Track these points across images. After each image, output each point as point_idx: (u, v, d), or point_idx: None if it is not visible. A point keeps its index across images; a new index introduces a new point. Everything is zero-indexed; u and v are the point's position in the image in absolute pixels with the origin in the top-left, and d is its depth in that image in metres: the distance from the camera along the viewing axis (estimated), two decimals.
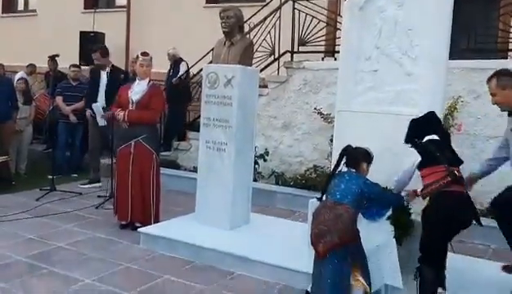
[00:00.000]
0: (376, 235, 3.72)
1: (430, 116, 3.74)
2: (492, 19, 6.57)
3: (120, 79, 7.09)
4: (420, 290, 3.47)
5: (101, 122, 6.70)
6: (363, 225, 3.60)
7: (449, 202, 3.39)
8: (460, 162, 3.61)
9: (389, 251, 3.69)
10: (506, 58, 6.38)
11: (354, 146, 3.68)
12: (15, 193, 6.65)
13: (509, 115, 3.82)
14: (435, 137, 3.63)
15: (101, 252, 4.63)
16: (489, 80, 3.75)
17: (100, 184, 7.10)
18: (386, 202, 3.67)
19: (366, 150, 3.67)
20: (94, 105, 6.77)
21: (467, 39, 6.27)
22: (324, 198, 3.64)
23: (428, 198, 3.54)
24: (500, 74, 3.66)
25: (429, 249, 3.46)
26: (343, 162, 3.66)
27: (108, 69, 7.01)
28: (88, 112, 7.07)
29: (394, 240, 3.71)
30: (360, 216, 3.54)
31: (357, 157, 3.64)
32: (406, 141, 3.72)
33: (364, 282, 3.45)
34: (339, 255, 3.37)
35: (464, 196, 3.49)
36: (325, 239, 3.37)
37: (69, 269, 4.22)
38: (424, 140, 3.61)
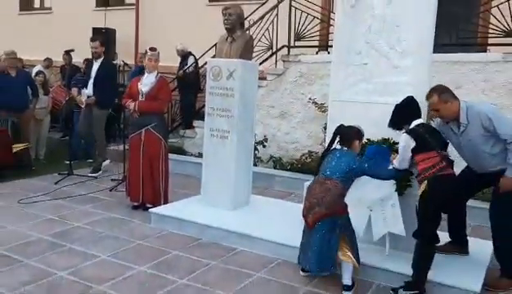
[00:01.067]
0: (380, 188, 3.79)
1: (411, 101, 3.67)
2: (473, 16, 6.55)
3: (111, 71, 7.16)
4: (417, 266, 3.43)
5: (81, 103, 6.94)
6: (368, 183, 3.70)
7: (446, 186, 3.38)
8: (447, 143, 3.61)
9: (392, 202, 3.75)
10: (485, 51, 6.39)
11: (347, 125, 3.67)
12: (35, 177, 6.67)
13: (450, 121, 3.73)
14: (421, 121, 3.59)
15: (115, 231, 4.67)
16: (429, 97, 3.66)
17: (97, 174, 6.92)
18: (377, 177, 3.64)
19: (358, 128, 3.67)
20: (82, 91, 6.95)
21: (450, 35, 6.26)
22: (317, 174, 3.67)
23: (425, 183, 3.42)
24: (439, 91, 3.63)
25: (425, 228, 3.43)
26: (336, 141, 3.66)
27: (100, 61, 6.90)
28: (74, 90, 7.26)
29: (396, 193, 3.76)
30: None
31: (350, 135, 3.64)
32: (391, 126, 3.68)
33: (352, 257, 3.50)
34: (327, 225, 3.42)
35: (456, 177, 3.52)
36: (315, 211, 3.44)
37: (87, 246, 4.26)
38: (412, 125, 3.55)
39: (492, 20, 6.15)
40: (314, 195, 3.49)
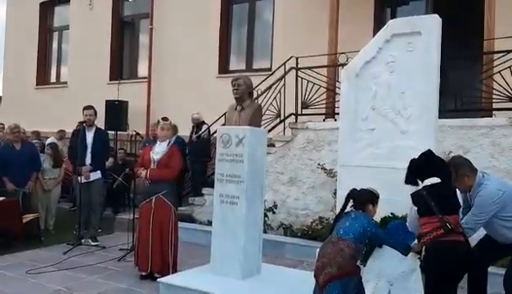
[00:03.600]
0: (402, 262, 3.69)
1: (429, 155, 3.54)
2: (476, 82, 6.72)
3: (107, 140, 7.22)
4: None
5: (88, 178, 6.75)
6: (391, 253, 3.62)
7: (443, 254, 3.23)
8: (457, 208, 3.42)
9: (414, 277, 3.64)
10: (491, 116, 6.48)
11: (359, 189, 3.63)
12: (43, 248, 6.64)
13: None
14: (435, 180, 3.43)
15: None
16: None
17: (98, 243, 6.86)
18: (390, 245, 3.57)
19: (370, 191, 3.62)
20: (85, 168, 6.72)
21: (454, 101, 6.40)
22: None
23: (423, 249, 3.42)
24: (457, 166, 3.71)
25: None
26: (350, 205, 3.60)
27: (93, 129, 6.93)
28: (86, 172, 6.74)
29: (419, 267, 3.65)
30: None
31: (363, 198, 3.59)
32: (407, 182, 3.57)
33: None
34: (338, 287, 3.30)
35: (459, 245, 3.28)
36: (326, 271, 3.35)
37: None
38: (424, 183, 3.44)
39: (495, 85, 6.30)
40: (326, 255, 3.42)
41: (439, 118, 4.14)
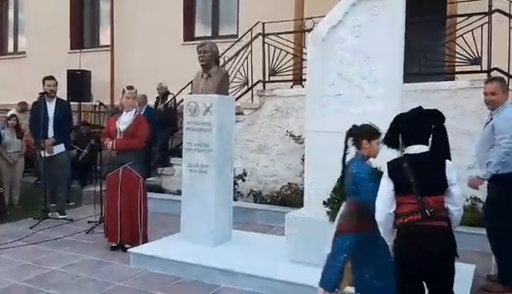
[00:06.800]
0: None
1: (419, 113, 2.84)
2: (439, 46, 6.81)
3: (69, 111, 7.00)
4: None
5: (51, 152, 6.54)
6: None
7: (415, 243, 2.63)
8: (442, 187, 2.69)
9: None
10: (454, 79, 6.62)
11: (359, 124, 3.30)
12: (9, 222, 6.49)
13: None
14: (423, 149, 2.75)
15: (93, 273, 4.55)
16: (491, 81, 4.15)
17: (65, 216, 6.75)
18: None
19: (367, 125, 3.26)
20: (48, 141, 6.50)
21: (418, 64, 6.48)
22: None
23: (395, 232, 2.78)
24: (501, 80, 4.12)
25: (400, 290, 2.78)
26: (350, 144, 3.32)
27: (54, 101, 6.72)
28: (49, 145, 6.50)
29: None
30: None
31: (357, 134, 3.28)
32: (386, 142, 2.95)
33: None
34: (350, 238, 3.24)
35: (433, 231, 2.61)
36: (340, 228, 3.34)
37: (65, 290, 4.13)
38: (409, 149, 2.77)
39: (458, 49, 6.41)
40: (340, 216, 3.38)
41: (403, 82, 4.18)
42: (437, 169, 2.68)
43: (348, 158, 3.36)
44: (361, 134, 3.25)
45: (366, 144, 3.24)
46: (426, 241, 2.61)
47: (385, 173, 2.79)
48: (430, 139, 2.80)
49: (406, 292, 2.74)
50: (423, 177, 2.65)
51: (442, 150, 2.79)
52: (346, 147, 3.30)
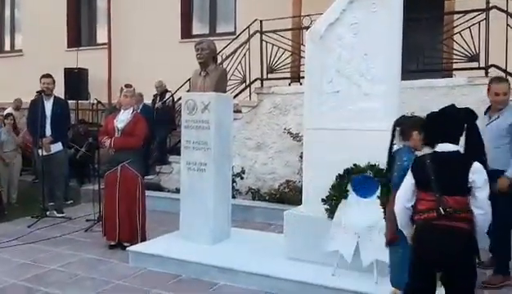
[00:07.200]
0: (366, 215, 3.81)
1: (450, 113, 2.75)
2: (437, 43, 6.82)
3: (67, 109, 6.98)
4: None
5: (48, 150, 6.52)
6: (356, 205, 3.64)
7: (432, 241, 2.61)
8: (463, 188, 2.61)
9: (379, 229, 3.72)
10: (451, 76, 6.62)
11: (406, 115, 3.28)
12: (7, 222, 6.47)
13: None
14: (451, 148, 2.69)
15: (92, 272, 4.54)
16: (501, 81, 4.22)
17: (64, 214, 6.75)
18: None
19: (415, 116, 3.22)
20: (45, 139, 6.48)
21: (416, 62, 6.49)
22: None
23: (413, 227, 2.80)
24: (507, 80, 4.20)
25: (409, 282, 2.79)
26: (397, 135, 3.24)
27: (52, 99, 6.68)
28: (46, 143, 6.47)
29: (384, 221, 3.66)
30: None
31: (406, 125, 3.20)
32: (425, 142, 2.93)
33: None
34: (402, 245, 3.10)
35: (449, 231, 2.57)
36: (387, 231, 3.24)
37: (63, 289, 4.13)
38: (437, 147, 2.73)
39: (455, 46, 6.41)
40: (387, 214, 3.26)
41: (401, 79, 4.18)
42: (461, 169, 2.62)
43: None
44: (412, 125, 3.20)
45: (417, 135, 3.19)
46: (441, 240, 2.58)
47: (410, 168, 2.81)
48: (463, 138, 2.75)
49: (416, 288, 2.74)
50: (444, 176, 2.62)
51: (473, 151, 2.72)
52: (393, 137, 3.23)
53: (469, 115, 2.76)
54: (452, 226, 2.56)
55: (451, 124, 2.72)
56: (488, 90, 4.26)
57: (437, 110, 2.80)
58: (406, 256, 2.87)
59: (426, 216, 2.63)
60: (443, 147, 2.69)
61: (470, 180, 2.59)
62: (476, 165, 2.63)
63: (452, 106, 2.80)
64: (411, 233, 2.79)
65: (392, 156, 3.26)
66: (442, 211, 2.56)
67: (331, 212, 4.08)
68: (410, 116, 3.27)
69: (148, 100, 8.85)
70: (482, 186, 2.62)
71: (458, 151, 2.70)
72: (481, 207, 2.62)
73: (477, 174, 2.61)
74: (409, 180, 2.77)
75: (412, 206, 2.75)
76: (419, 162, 2.76)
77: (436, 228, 2.59)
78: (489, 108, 4.30)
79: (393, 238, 3.26)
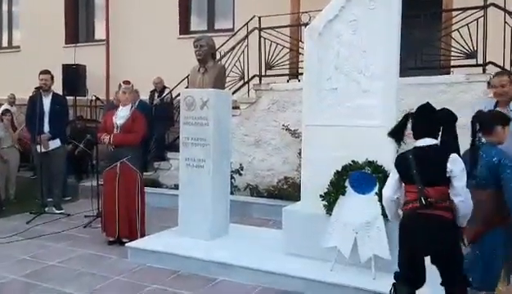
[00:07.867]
0: (365, 211, 3.84)
1: (425, 109, 2.94)
2: (435, 40, 6.84)
3: (65, 105, 6.97)
4: None
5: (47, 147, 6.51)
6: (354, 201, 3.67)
7: (414, 228, 2.83)
8: (443, 177, 2.78)
9: (378, 225, 3.77)
10: (449, 73, 6.65)
11: (486, 111, 3.19)
12: (5, 218, 6.48)
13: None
14: (430, 142, 2.87)
15: (91, 268, 4.56)
16: (501, 75, 4.13)
17: (62, 210, 6.76)
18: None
19: (499, 112, 3.15)
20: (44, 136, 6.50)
21: (414, 58, 6.51)
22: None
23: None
24: (509, 73, 4.13)
25: (399, 268, 2.97)
26: (477, 129, 3.13)
27: (50, 95, 6.68)
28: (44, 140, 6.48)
29: (382, 216, 3.73)
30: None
31: (490, 120, 3.12)
32: (390, 135, 3.05)
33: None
34: (497, 234, 3.04)
35: (432, 219, 2.75)
36: (470, 226, 3.00)
37: (63, 284, 4.14)
38: (418, 143, 2.90)
39: (453, 43, 6.44)
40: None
41: (399, 76, 4.20)
42: (439, 161, 2.80)
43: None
44: (495, 120, 3.16)
45: (501, 130, 3.15)
46: (425, 228, 2.79)
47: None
48: (440, 133, 2.92)
49: (406, 276, 2.92)
50: (424, 168, 2.81)
51: (449, 145, 2.87)
52: (475, 132, 3.13)
53: (446, 116, 2.92)
54: (434, 215, 2.77)
55: (426, 121, 2.93)
56: (490, 85, 4.28)
57: (416, 110, 2.99)
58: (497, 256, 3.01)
59: (411, 206, 2.84)
60: (422, 142, 2.89)
61: (448, 169, 2.76)
62: (453, 156, 2.80)
63: (427, 104, 2.99)
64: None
65: (475, 152, 3.14)
66: (423, 201, 2.76)
67: (329, 208, 4.11)
68: (488, 111, 3.24)
69: (145, 96, 8.85)
70: (459, 175, 2.78)
71: (436, 144, 2.88)
72: (458, 194, 2.79)
73: (454, 164, 2.77)
74: (393, 176, 3.00)
75: (398, 198, 3.00)
76: (401, 158, 2.95)
77: (420, 216, 2.80)
78: (497, 104, 4.27)
79: (477, 235, 3.09)
